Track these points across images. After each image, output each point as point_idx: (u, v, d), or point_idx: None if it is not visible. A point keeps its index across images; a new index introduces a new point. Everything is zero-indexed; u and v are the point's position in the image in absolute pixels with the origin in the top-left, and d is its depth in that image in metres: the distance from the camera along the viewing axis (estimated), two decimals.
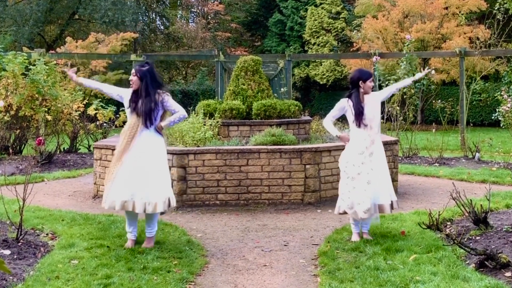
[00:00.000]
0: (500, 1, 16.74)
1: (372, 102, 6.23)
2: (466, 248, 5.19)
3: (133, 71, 5.96)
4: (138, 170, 5.74)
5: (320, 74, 30.15)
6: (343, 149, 6.40)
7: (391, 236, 6.18)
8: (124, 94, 6.05)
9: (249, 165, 8.07)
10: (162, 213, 6.04)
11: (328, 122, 6.36)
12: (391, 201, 6.20)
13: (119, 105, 16.76)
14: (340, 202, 6.22)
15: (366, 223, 6.24)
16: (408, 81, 7.12)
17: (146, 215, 5.90)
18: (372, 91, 6.33)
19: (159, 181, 5.84)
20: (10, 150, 12.43)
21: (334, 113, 6.38)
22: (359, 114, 6.12)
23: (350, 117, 6.23)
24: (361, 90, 6.18)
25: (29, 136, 13.16)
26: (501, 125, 12.57)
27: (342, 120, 6.99)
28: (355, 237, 6.14)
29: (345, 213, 6.21)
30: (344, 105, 6.26)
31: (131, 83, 5.93)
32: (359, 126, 6.15)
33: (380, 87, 14.15)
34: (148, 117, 5.81)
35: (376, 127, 6.20)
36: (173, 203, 5.99)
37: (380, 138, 6.34)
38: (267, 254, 5.89)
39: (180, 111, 6.03)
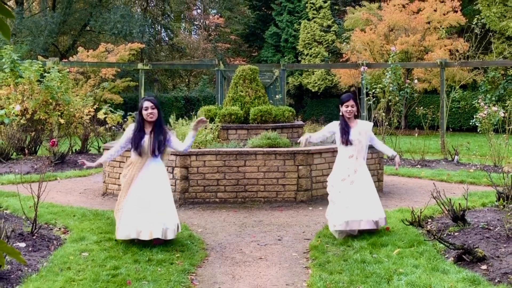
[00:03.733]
0: (478, 16, 16.82)
1: (361, 129, 6.17)
2: (445, 243, 5.20)
3: (149, 104, 5.73)
4: (148, 199, 5.63)
5: (312, 82, 30.17)
6: (333, 151, 6.43)
7: (377, 231, 6.18)
8: (130, 135, 5.84)
9: (246, 166, 8.08)
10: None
11: (313, 138, 6.33)
12: (375, 219, 6.01)
13: (126, 110, 16.79)
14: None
15: None
16: (388, 151, 6.50)
17: None
18: (356, 116, 6.26)
19: (169, 208, 5.72)
20: (26, 151, 12.41)
21: (321, 132, 6.35)
22: (345, 133, 6.12)
23: (338, 138, 6.23)
24: (341, 112, 6.22)
25: (44, 138, 13.15)
26: (478, 130, 12.61)
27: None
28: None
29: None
30: (333, 128, 6.26)
31: (150, 116, 5.72)
32: (345, 144, 6.12)
33: (367, 95, 14.17)
34: (158, 147, 5.71)
35: (361, 158, 6.16)
36: (179, 229, 5.86)
37: (366, 167, 6.23)
38: (263, 248, 5.89)
39: (185, 146, 5.93)
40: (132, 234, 5.62)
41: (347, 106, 6.14)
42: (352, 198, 6.02)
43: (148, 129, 5.79)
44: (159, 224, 5.59)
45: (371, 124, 6.46)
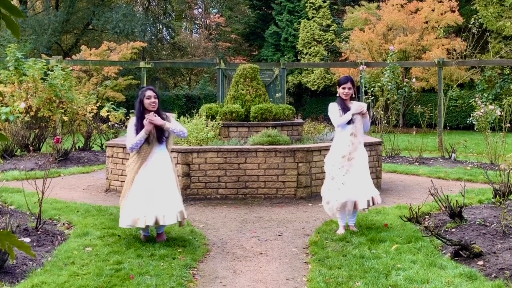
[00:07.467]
0: (475, 16, 16.81)
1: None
2: (442, 239, 5.22)
3: (151, 93, 5.65)
4: (152, 189, 5.52)
5: (311, 81, 30.16)
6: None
7: (375, 228, 6.20)
8: (134, 128, 5.72)
9: (247, 163, 8.09)
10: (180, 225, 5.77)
11: (339, 121, 6.16)
12: (369, 198, 6.07)
13: (129, 107, 16.80)
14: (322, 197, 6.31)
15: (353, 217, 6.25)
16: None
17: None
18: (352, 98, 6.30)
19: (174, 195, 5.62)
20: (30, 148, 12.41)
21: (335, 114, 6.22)
22: (345, 110, 6.14)
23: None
24: (338, 94, 6.25)
25: (47, 135, 13.16)
26: (475, 129, 12.61)
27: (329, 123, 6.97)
28: (340, 230, 6.11)
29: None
30: (335, 106, 6.25)
31: (152, 105, 5.63)
32: (347, 123, 6.13)
33: (366, 93, 14.18)
34: (161, 133, 5.65)
35: (360, 135, 6.19)
36: (185, 216, 5.70)
37: (363, 145, 6.27)
38: (263, 243, 5.91)
39: (183, 129, 5.80)
40: (134, 223, 5.51)
41: (344, 88, 6.18)
42: (349, 176, 6.03)
43: None
44: (160, 211, 5.47)
45: (365, 104, 6.51)
